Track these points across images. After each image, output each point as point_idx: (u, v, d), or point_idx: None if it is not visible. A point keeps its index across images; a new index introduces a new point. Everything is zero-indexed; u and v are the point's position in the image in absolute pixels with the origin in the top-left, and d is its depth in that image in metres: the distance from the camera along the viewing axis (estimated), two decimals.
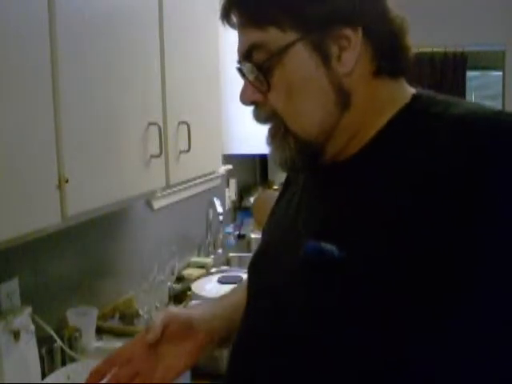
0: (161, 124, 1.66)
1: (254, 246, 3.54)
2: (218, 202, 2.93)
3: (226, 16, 0.84)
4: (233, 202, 3.74)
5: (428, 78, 5.27)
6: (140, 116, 1.58)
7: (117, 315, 2.06)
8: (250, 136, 3.30)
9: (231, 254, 3.18)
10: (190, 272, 2.67)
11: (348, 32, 0.77)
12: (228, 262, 3.12)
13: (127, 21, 1.51)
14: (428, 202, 0.68)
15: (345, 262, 0.72)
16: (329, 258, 0.73)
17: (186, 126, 1.83)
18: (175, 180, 1.81)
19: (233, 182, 3.69)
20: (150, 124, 1.61)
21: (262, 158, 4.44)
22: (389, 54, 0.80)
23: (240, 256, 3.21)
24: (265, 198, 3.81)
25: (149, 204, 2.45)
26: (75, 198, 1.27)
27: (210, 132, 2.14)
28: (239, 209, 3.84)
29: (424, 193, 0.69)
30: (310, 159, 0.83)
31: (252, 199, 3.83)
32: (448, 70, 5.47)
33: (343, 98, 0.79)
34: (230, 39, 3.23)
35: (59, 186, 1.23)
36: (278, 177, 4.39)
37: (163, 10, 1.69)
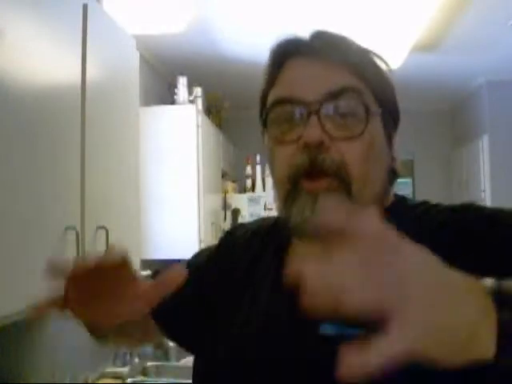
0: (78, 228, 1.64)
1: (172, 355, 3.43)
2: None
3: (317, 50, 0.82)
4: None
5: None
6: (57, 219, 1.55)
7: None
8: (170, 241, 3.30)
9: (148, 363, 3.07)
10: (104, 383, 2.55)
11: (393, 129, 0.87)
12: (145, 372, 3.00)
13: (49, 124, 1.52)
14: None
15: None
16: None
17: (104, 231, 1.82)
18: None
19: None
20: (68, 228, 1.59)
21: None
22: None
23: (157, 365, 3.10)
24: None
25: None
26: None
27: (128, 237, 2.12)
28: None
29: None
30: None
31: None
32: None
33: (388, 183, 0.86)
34: (150, 145, 3.27)
35: None
36: None
37: (85, 116, 1.72)
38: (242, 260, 0.97)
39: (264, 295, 0.90)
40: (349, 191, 0.78)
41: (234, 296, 0.94)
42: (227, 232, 1.08)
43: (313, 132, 0.77)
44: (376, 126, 0.82)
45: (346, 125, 0.79)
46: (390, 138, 0.86)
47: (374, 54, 0.87)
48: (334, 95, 0.79)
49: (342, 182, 0.78)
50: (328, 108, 0.79)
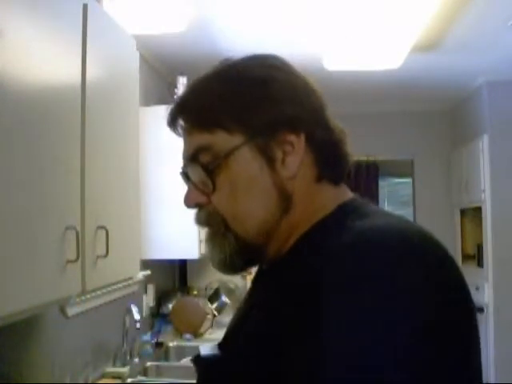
0: (78, 228, 1.64)
1: (173, 355, 3.43)
2: (135, 309, 2.86)
3: (172, 122, 0.90)
4: (150, 309, 3.65)
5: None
6: (57, 219, 1.55)
7: None
8: (170, 241, 3.30)
9: (149, 363, 3.07)
10: (104, 383, 2.54)
11: (292, 137, 0.81)
12: (145, 372, 3.00)
13: (49, 124, 1.52)
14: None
15: (217, 362, 0.82)
16: (209, 358, 0.83)
17: (104, 231, 1.81)
18: (91, 286, 1.76)
19: (151, 288, 3.62)
20: (68, 228, 1.58)
21: (182, 264, 4.40)
22: (330, 160, 0.85)
23: (158, 365, 3.10)
24: (184, 304, 3.75)
25: (62, 310, 2.36)
26: None
27: (128, 237, 2.12)
28: (157, 315, 3.75)
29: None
30: (249, 259, 0.86)
31: (170, 305, 3.76)
32: (361, 178, 5.81)
33: (285, 201, 0.82)
34: (150, 145, 3.27)
35: None
36: (198, 282, 4.35)
37: (85, 116, 1.72)
38: None
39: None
40: (229, 231, 0.83)
41: None
42: None
43: (185, 197, 0.87)
44: (238, 160, 0.82)
45: (205, 181, 0.84)
46: (271, 159, 0.82)
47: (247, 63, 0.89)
48: (189, 160, 0.86)
49: (219, 227, 0.84)
50: (190, 172, 0.85)
